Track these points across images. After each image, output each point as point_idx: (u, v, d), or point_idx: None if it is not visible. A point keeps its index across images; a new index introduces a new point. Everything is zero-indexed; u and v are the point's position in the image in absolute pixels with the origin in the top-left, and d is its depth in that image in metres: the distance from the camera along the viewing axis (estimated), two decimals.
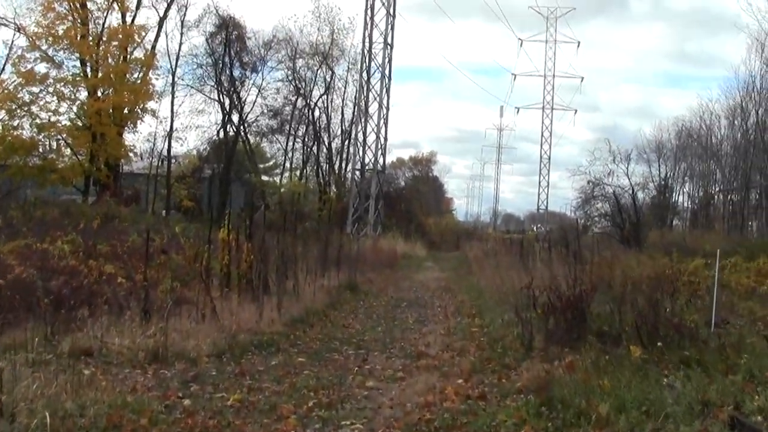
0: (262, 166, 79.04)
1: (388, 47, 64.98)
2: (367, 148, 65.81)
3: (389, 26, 65.02)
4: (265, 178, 78.05)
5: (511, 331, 16.70)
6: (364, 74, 65.39)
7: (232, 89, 67.03)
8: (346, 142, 75.45)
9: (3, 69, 55.17)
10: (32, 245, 22.64)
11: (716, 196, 77.66)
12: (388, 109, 65.63)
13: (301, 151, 75.98)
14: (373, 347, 16.43)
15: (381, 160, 66.39)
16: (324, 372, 13.25)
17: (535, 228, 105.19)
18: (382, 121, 65.15)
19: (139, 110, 54.83)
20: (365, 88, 65.23)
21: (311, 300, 22.49)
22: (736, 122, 70.38)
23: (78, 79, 52.64)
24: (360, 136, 66.20)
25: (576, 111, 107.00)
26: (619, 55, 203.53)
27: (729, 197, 73.29)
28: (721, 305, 17.86)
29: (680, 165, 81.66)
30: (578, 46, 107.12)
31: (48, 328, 13.85)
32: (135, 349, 13.37)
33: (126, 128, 54.50)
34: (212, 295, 17.20)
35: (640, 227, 56.73)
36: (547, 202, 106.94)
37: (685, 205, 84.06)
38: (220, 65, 66.06)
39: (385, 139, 66.02)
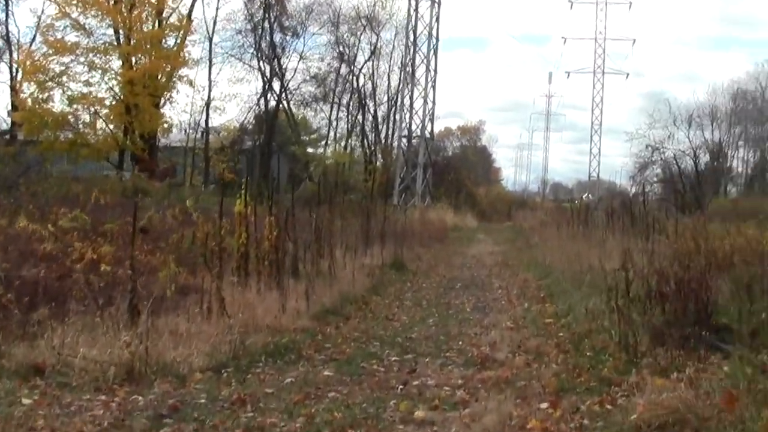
0: (306, 138, 76.22)
1: (436, 5, 61.32)
2: (414, 113, 62.36)
3: None
4: (309, 150, 75.14)
5: (599, 324, 13.06)
6: (410, 35, 61.69)
7: (273, 56, 64.18)
8: (393, 110, 72.61)
9: (33, 39, 53.14)
10: (18, 225, 19.32)
11: None
12: (436, 71, 62.27)
13: (346, 120, 73.13)
14: (423, 349, 12.70)
15: (429, 126, 63.13)
16: (357, 393, 9.59)
17: (584, 196, 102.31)
18: (429, 84, 61.87)
19: (175, 79, 52.22)
20: (411, 50, 61.79)
21: (349, 283, 19.01)
22: None
23: (110, 47, 50.23)
24: (407, 100, 62.63)
25: (628, 75, 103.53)
26: (663, 19, 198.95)
27: None
28: None
29: (734, 130, 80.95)
30: (630, 7, 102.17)
31: None
32: (107, 363, 9.92)
33: (162, 99, 51.84)
34: (219, 284, 13.69)
35: (703, 193, 54.49)
36: (598, 170, 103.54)
37: (739, 170, 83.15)
38: (260, 31, 63.50)
39: (433, 103, 62.76)
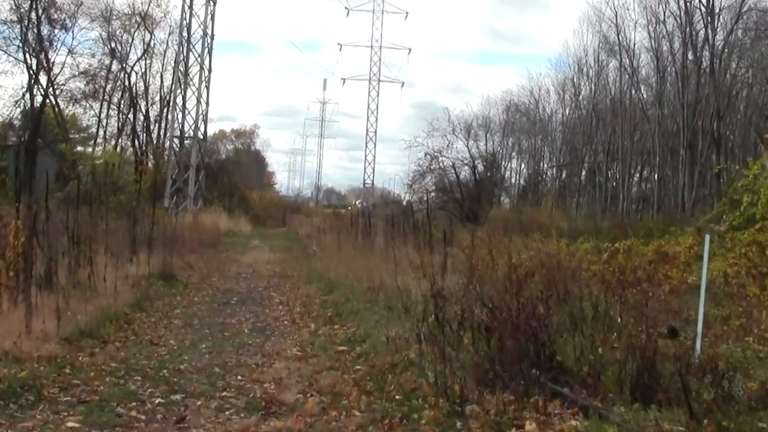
0: (77, 135, 72.54)
1: (211, 3, 59.16)
2: (187, 114, 59.83)
3: None
4: (79, 148, 71.46)
5: (404, 356, 11.13)
6: (185, 32, 59.16)
7: (40, 49, 60.42)
8: (165, 110, 69.78)
9: None
10: None
11: (547, 172, 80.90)
12: (210, 71, 60.05)
13: (117, 118, 69.89)
14: (194, 387, 10.41)
15: (202, 128, 60.77)
16: None
17: (357, 203, 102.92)
18: (203, 84, 59.36)
19: None
20: (185, 48, 59.24)
21: (110, 297, 16.55)
22: (566, 97, 73.24)
23: None
24: (179, 100, 59.99)
25: (403, 84, 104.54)
26: (436, 31, 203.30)
27: (560, 173, 76.36)
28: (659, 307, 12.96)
29: (508, 140, 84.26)
30: (406, 16, 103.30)
31: None
32: None
33: None
34: None
35: (481, 203, 54.71)
36: (373, 177, 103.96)
37: (512, 181, 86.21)
38: (26, 22, 59.44)
39: (207, 104, 60.31)
